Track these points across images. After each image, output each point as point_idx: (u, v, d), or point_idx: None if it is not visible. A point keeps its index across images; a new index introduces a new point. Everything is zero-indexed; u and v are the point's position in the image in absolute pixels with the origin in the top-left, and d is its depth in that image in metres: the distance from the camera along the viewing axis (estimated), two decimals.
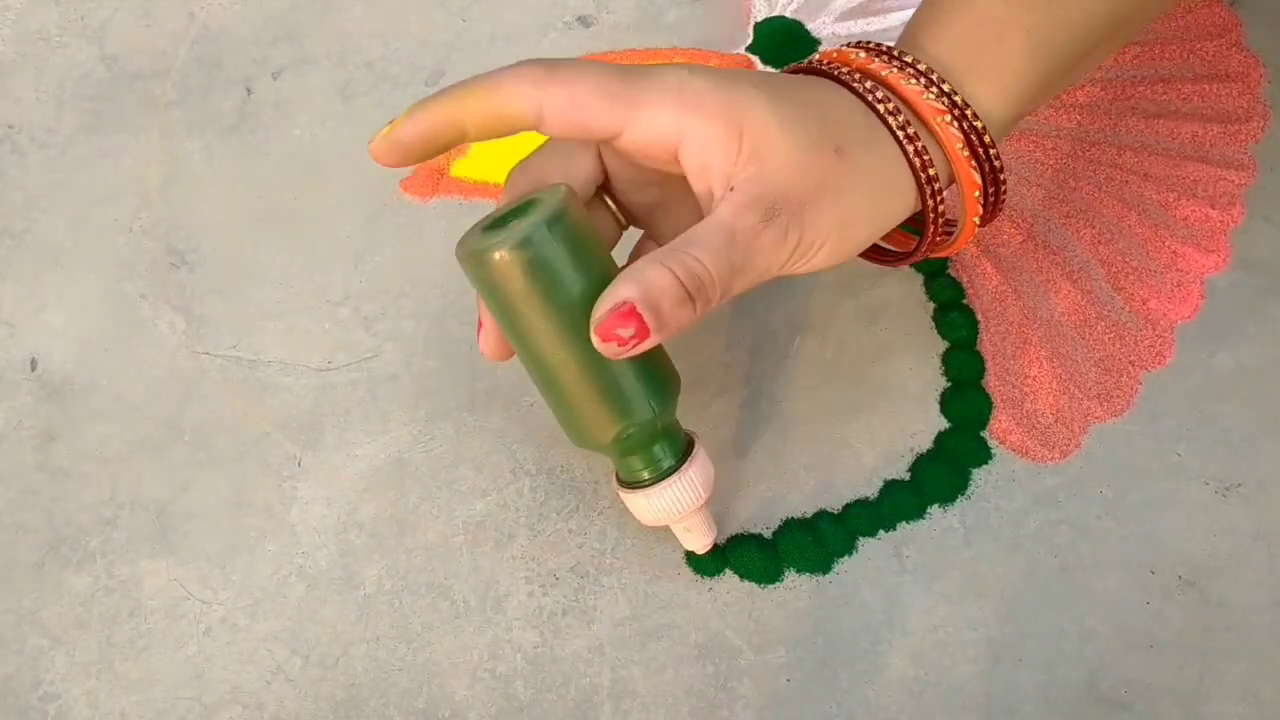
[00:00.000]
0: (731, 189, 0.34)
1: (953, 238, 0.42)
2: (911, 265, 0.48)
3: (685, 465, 0.40)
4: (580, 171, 0.38)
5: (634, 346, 0.34)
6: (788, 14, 0.58)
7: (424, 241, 0.54)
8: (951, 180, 0.38)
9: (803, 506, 0.49)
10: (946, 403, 0.51)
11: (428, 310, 0.53)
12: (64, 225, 0.54)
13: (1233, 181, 0.54)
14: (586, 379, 0.37)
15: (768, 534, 0.49)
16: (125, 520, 0.49)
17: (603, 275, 0.35)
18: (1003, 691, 0.46)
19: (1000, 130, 0.38)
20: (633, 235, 0.43)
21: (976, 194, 0.38)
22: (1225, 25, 0.58)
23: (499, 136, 0.36)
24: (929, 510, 0.49)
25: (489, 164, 0.55)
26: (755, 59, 0.57)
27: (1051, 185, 0.54)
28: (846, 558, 0.48)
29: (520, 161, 0.40)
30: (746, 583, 0.48)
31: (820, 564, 0.48)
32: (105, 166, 0.56)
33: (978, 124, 0.36)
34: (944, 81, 0.36)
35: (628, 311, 0.33)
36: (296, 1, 0.60)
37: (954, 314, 0.52)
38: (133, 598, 0.48)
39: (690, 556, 0.48)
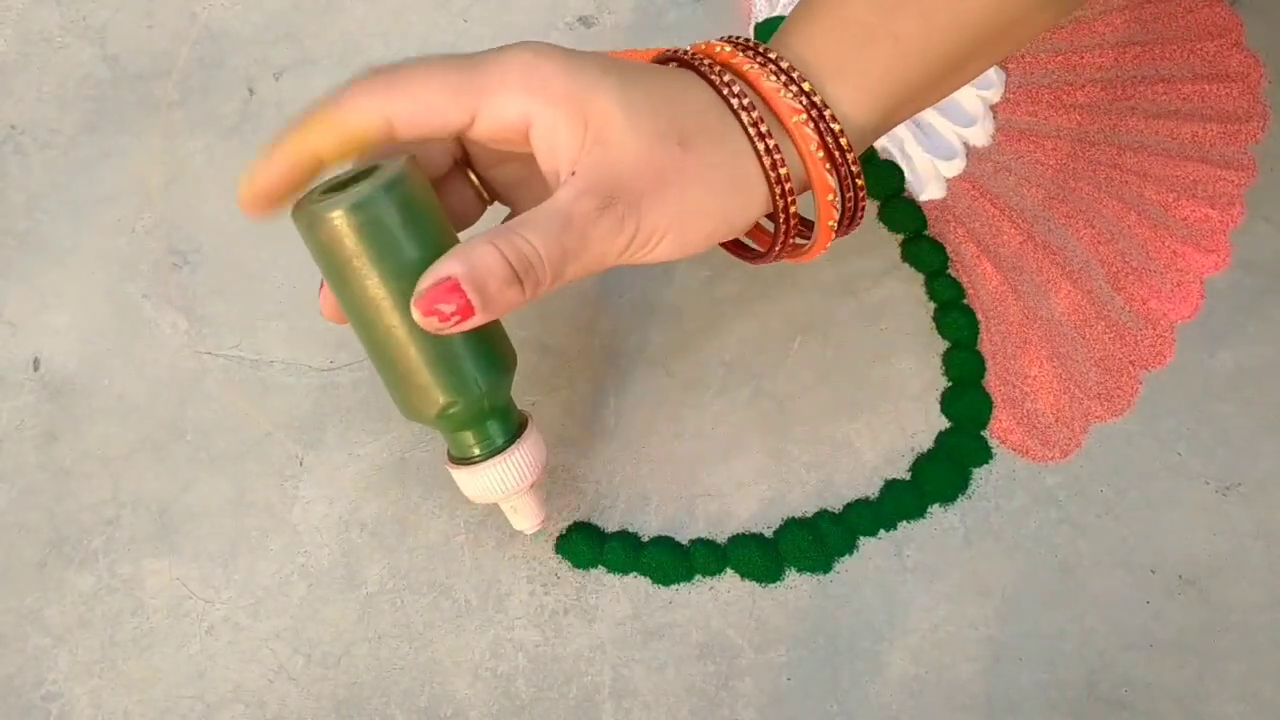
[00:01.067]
0: (573, 173, 0.34)
1: (809, 243, 0.40)
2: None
3: (514, 445, 0.40)
4: (434, 146, 0.38)
5: (457, 324, 0.34)
6: (788, 14, 0.58)
7: None
8: (808, 184, 0.37)
9: (804, 506, 0.49)
10: (947, 402, 0.51)
11: None
12: (66, 225, 0.54)
13: (1233, 181, 0.54)
14: (412, 352, 0.36)
15: (769, 533, 0.49)
16: (127, 519, 0.49)
17: (437, 248, 0.35)
18: (1003, 690, 0.46)
19: (861, 136, 0.37)
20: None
21: (830, 197, 0.36)
22: (1226, 25, 0.58)
23: (359, 156, 0.36)
24: (930, 510, 0.49)
25: None
26: None
27: (1052, 185, 0.55)
28: (847, 557, 0.48)
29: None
30: (748, 582, 0.48)
31: (821, 563, 0.48)
32: (107, 167, 0.56)
33: (835, 126, 0.35)
34: (804, 81, 0.35)
35: (451, 287, 0.33)
36: (298, 2, 0.60)
37: (954, 314, 0.52)
38: (135, 597, 0.48)
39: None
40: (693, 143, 0.34)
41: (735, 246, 0.44)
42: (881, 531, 0.49)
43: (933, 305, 0.53)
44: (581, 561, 0.48)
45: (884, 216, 0.54)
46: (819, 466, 0.50)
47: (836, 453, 0.50)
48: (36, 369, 0.52)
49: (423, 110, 0.34)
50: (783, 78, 0.35)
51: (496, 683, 0.46)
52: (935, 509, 0.49)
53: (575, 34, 0.58)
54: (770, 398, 0.51)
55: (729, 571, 0.48)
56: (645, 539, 0.49)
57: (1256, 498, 0.49)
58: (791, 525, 0.49)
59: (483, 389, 0.38)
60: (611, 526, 0.49)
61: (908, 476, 0.50)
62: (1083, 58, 0.57)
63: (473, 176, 0.40)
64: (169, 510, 0.49)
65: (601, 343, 0.52)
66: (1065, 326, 0.52)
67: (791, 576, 0.48)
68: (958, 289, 0.53)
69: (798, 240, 0.40)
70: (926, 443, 0.50)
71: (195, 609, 0.48)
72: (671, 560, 0.48)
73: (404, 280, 0.35)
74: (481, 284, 0.33)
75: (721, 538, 0.49)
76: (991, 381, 0.51)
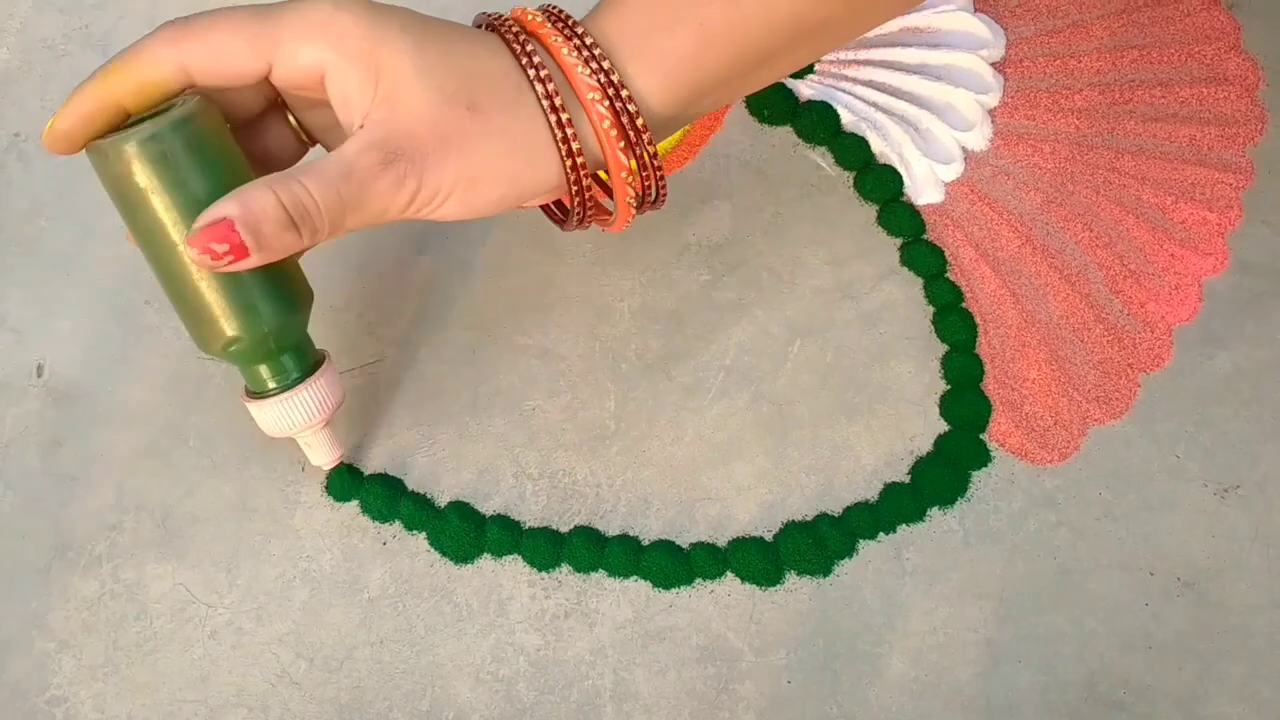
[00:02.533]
0: (361, 127, 0.34)
1: (613, 217, 0.40)
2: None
3: (306, 382, 0.41)
4: (244, 89, 0.38)
5: (231, 263, 0.34)
6: None
7: (427, 247, 0.54)
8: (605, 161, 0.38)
9: (803, 509, 0.49)
10: (946, 405, 0.51)
11: (431, 315, 0.53)
12: (70, 232, 0.55)
13: (1230, 184, 0.55)
14: (198, 287, 0.37)
15: (769, 537, 0.49)
16: (131, 525, 0.49)
17: (225, 187, 0.35)
18: (1002, 692, 0.46)
19: (661, 119, 0.37)
20: None
21: (625, 174, 0.37)
22: (1223, 29, 0.58)
23: (159, 104, 0.37)
24: (929, 513, 0.49)
25: None
26: None
27: (1050, 189, 0.55)
28: (847, 560, 0.49)
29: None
30: (748, 585, 0.48)
31: (821, 566, 0.48)
32: None
33: (630, 106, 0.36)
34: (605, 59, 0.35)
35: (226, 228, 0.34)
36: None
37: (953, 317, 0.52)
38: (139, 602, 0.48)
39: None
40: (482, 107, 0.35)
41: (547, 208, 0.43)
42: (881, 534, 0.49)
43: (931, 309, 0.53)
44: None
45: (883, 221, 0.54)
46: (818, 470, 0.50)
47: (836, 456, 0.50)
48: (41, 375, 0.52)
49: (218, 57, 0.34)
50: (584, 53, 0.35)
51: (498, 686, 0.47)
52: (934, 512, 0.49)
53: None
54: (770, 401, 0.51)
55: (729, 575, 0.48)
56: (646, 542, 0.49)
57: (1255, 500, 0.49)
58: (791, 528, 0.49)
59: (267, 325, 0.39)
60: (612, 530, 0.49)
61: (907, 479, 0.50)
62: (1080, 62, 0.57)
63: (292, 120, 0.40)
64: (172, 515, 0.49)
65: (602, 347, 0.52)
66: (1063, 330, 0.52)
67: (791, 580, 0.48)
68: (956, 292, 0.53)
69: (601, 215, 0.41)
70: (925, 446, 0.50)
71: (198, 614, 0.48)
72: (672, 564, 0.48)
73: (189, 216, 0.35)
74: (255, 226, 0.34)
75: (721, 541, 0.49)
76: (990, 385, 0.51)
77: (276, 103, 0.40)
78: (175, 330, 0.53)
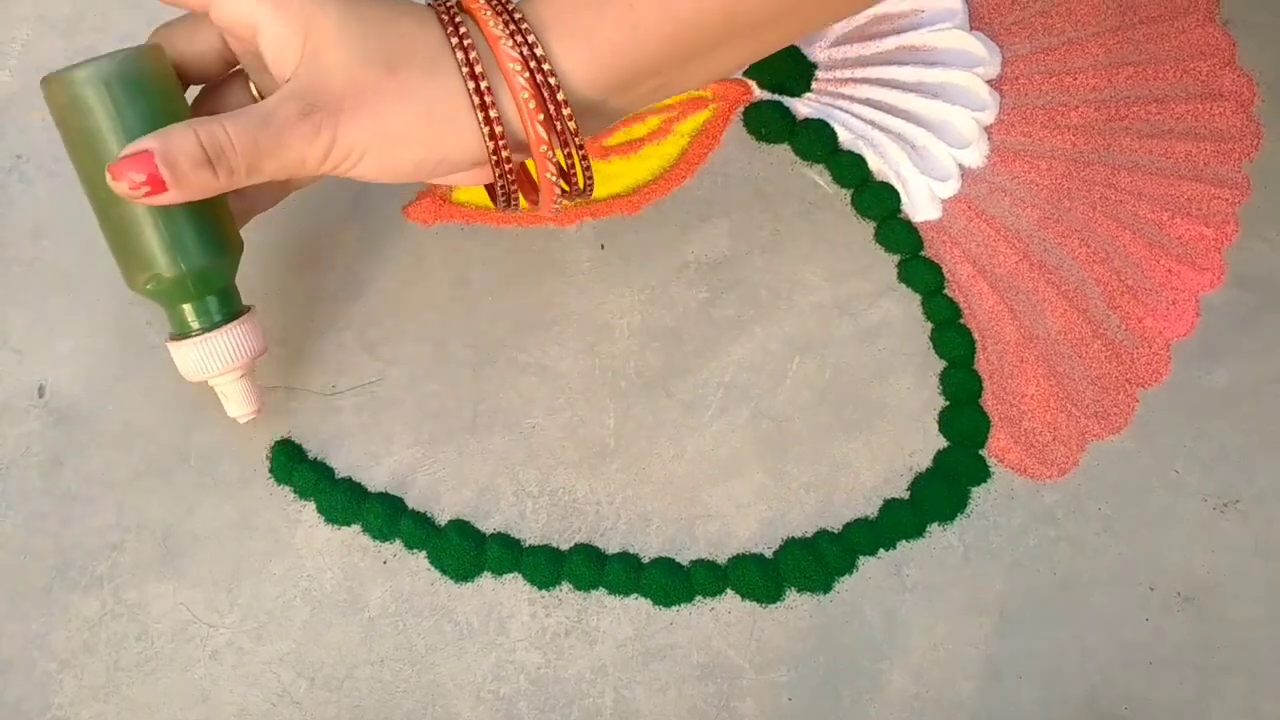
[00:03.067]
0: (288, 80, 0.37)
1: (540, 198, 0.41)
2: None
3: (225, 327, 0.43)
4: (202, 46, 0.41)
5: (149, 194, 0.37)
6: None
7: (427, 266, 0.54)
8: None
9: (803, 526, 0.49)
10: (945, 421, 0.51)
11: (430, 334, 0.53)
12: (72, 253, 0.55)
13: (1226, 199, 0.55)
14: (127, 223, 0.40)
15: (769, 554, 0.49)
16: (132, 544, 0.49)
17: (157, 127, 0.37)
18: (1003, 708, 0.46)
19: (586, 100, 0.38)
20: None
21: (544, 149, 0.38)
22: (1217, 45, 0.58)
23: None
24: (929, 529, 0.49)
25: None
26: (753, 83, 0.58)
27: (1047, 205, 0.55)
28: (847, 576, 0.49)
29: (155, 30, 0.42)
30: (748, 602, 0.48)
31: (821, 583, 0.48)
32: None
33: (551, 80, 0.36)
34: (530, 34, 0.36)
35: (145, 159, 0.36)
36: None
37: (951, 333, 0.52)
38: (140, 621, 0.48)
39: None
40: (400, 70, 0.36)
41: (491, 188, 0.43)
42: (881, 551, 0.49)
43: (930, 325, 0.53)
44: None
45: (880, 237, 0.55)
46: (818, 487, 0.50)
47: (835, 473, 0.50)
48: (42, 395, 0.52)
49: None
50: (510, 27, 0.36)
51: (499, 705, 0.47)
52: (934, 528, 0.49)
53: None
54: (769, 418, 0.51)
55: (729, 592, 0.48)
56: (646, 560, 0.49)
57: (1254, 514, 0.49)
58: (791, 545, 0.49)
59: (189, 265, 0.41)
60: (612, 548, 0.49)
61: (906, 496, 0.50)
62: (1076, 79, 0.58)
63: (253, 87, 0.42)
64: (173, 535, 0.49)
65: (601, 365, 0.52)
66: (1062, 345, 0.52)
67: (792, 596, 0.48)
68: (954, 309, 0.53)
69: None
70: (925, 462, 0.51)
71: (199, 633, 0.48)
72: (672, 581, 0.48)
73: (121, 150, 0.38)
74: (173, 160, 0.36)
75: (722, 558, 0.49)
76: (989, 400, 0.51)
77: (238, 70, 0.42)
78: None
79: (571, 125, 0.38)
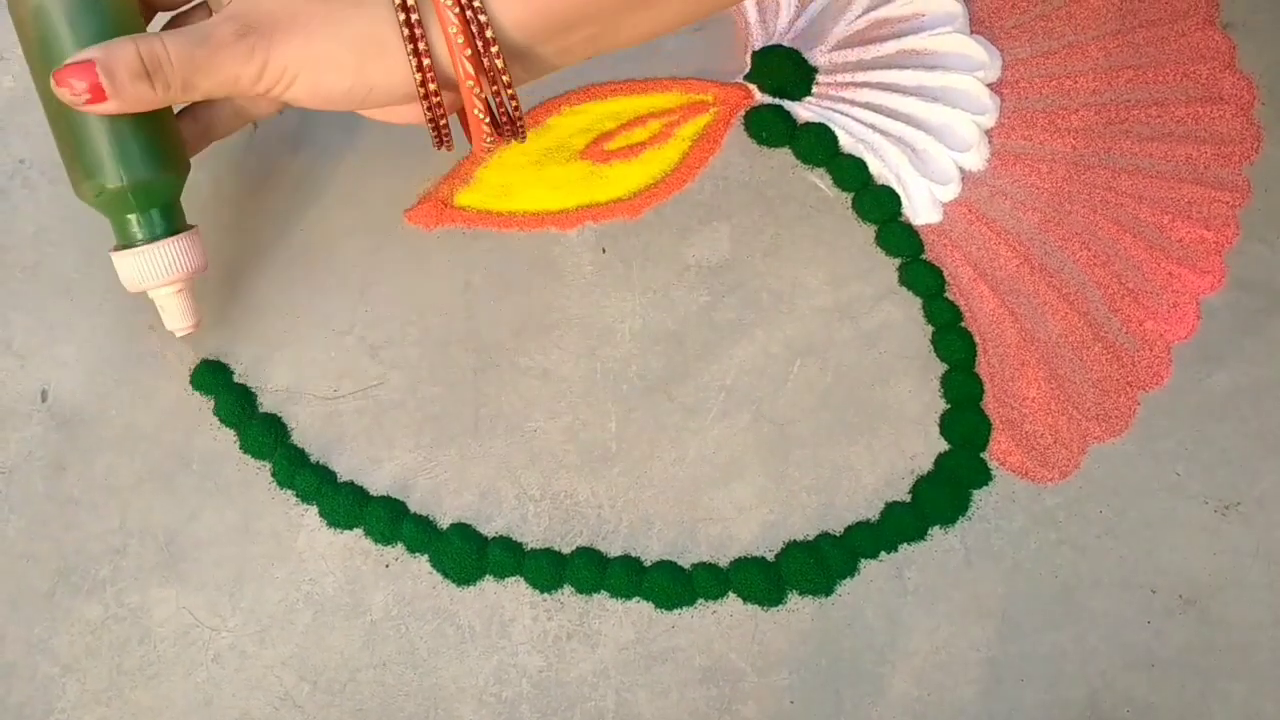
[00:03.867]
0: (228, 2, 0.39)
1: (471, 138, 0.42)
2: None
3: (164, 240, 0.45)
4: None
5: (89, 103, 0.39)
6: (785, 42, 0.59)
7: (429, 270, 0.55)
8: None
9: (805, 529, 0.50)
10: (946, 424, 0.51)
11: (432, 338, 0.53)
12: (74, 258, 0.55)
13: (1227, 202, 0.55)
14: (74, 131, 0.42)
15: (770, 557, 0.49)
16: (134, 549, 0.49)
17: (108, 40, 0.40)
18: (1005, 711, 0.46)
19: (516, 43, 0.39)
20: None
21: (471, 85, 0.39)
22: (1217, 49, 0.58)
23: None
24: (930, 531, 0.49)
25: (493, 193, 0.56)
26: (754, 87, 0.58)
27: (1047, 208, 0.55)
28: (849, 579, 0.49)
29: None
30: (750, 605, 0.48)
31: (823, 586, 0.48)
32: None
33: (481, 18, 0.37)
34: None
35: (86, 68, 0.38)
36: None
37: (952, 336, 0.52)
38: (142, 625, 0.48)
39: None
40: None
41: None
42: (882, 553, 0.49)
43: (930, 328, 0.53)
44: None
45: (881, 241, 0.55)
46: (819, 489, 0.50)
47: (837, 475, 0.50)
48: (45, 400, 0.52)
49: None
50: None
51: (501, 709, 0.47)
52: (935, 531, 0.49)
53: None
54: (770, 422, 0.51)
55: (731, 595, 0.48)
56: (647, 563, 0.49)
57: (1256, 517, 0.49)
58: (793, 548, 0.49)
59: (132, 177, 0.43)
60: (614, 551, 0.49)
61: (908, 498, 0.50)
62: (1076, 82, 0.58)
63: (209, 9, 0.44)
64: (175, 539, 0.49)
65: (603, 368, 0.52)
66: (1063, 348, 0.52)
67: (793, 599, 0.48)
68: (955, 312, 0.53)
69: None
70: (926, 465, 0.51)
71: (202, 637, 0.48)
72: (674, 584, 0.48)
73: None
74: (112, 70, 0.38)
75: (723, 561, 0.49)
76: (990, 403, 0.51)
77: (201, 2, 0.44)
78: (178, 354, 0.53)
79: (499, 64, 0.39)
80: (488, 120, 0.41)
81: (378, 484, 0.50)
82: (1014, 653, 0.46)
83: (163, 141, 0.44)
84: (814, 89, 0.58)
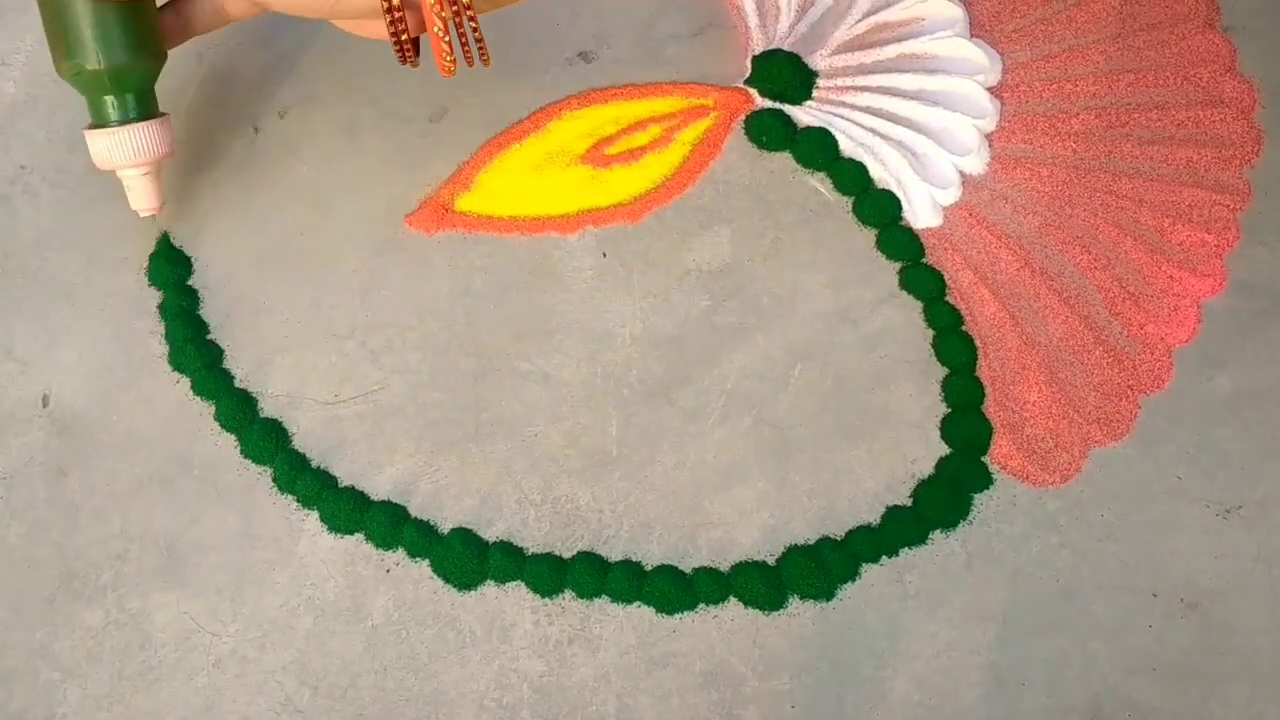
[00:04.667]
0: None
1: (435, 56, 0.45)
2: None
3: (136, 123, 0.48)
4: None
5: None
6: (785, 47, 0.59)
7: (429, 275, 0.55)
8: None
9: (806, 533, 0.49)
10: (947, 428, 0.51)
11: (433, 343, 0.53)
12: (75, 263, 0.55)
13: (1227, 206, 0.55)
14: (62, 15, 0.45)
15: (771, 561, 0.49)
16: (135, 554, 0.49)
17: None
18: (1007, 715, 0.46)
19: None
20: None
21: (431, 3, 0.42)
22: (1218, 52, 0.58)
23: None
24: (931, 535, 0.49)
25: (493, 198, 0.56)
26: (754, 92, 0.58)
27: (1047, 212, 0.55)
28: (850, 584, 0.49)
29: None
30: (751, 610, 0.48)
31: (824, 590, 0.48)
32: (116, 205, 0.57)
33: None
34: None
35: None
36: (302, 40, 0.61)
37: (953, 340, 0.52)
38: (143, 631, 0.48)
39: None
40: None
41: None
42: (883, 558, 0.49)
43: (931, 332, 0.53)
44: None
45: (882, 245, 0.55)
46: (821, 494, 0.50)
47: (838, 479, 0.50)
48: (46, 405, 0.52)
49: None
50: None
51: (502, 714, 0.47)
52: (937, 535, 0.49)
53: (575, 69, 0.59)
54: (771, 426, 0.51)
55: (732, 600, 0.48)
56: (648, 568, 0.49)
57: (1258, 520, 0.49)
58: (794, 552, 0.49)
59: (105, 62, 0.46)
60: (615, 556, 0.49)
61: (909, 503, 0.50)
62: (1076, 85, 0.58)
63: None
64: (177, 544, 0.50)
65: (603, 373, 0.52)
66: (1063, 352, 0.52)
67: (794, 604, 0.48)
68: (956, 315, 0.53)
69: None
70: (927, 469, 0.51)
71: (203, 642, 0.48)
72: (675, 589, 0.48)
73: None
74: None
75: (724, 566, 0.49)
76: (991, 407, 0.51)
77: None
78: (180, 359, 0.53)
79: None
80: (447, 39, 0.44)
81: (379, 489, 0.50)
82: (1015, 657, 0.46)
83: (143, 30, 0.47)
84: (814, 93, 0.58)
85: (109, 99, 0.48)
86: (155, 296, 0.54)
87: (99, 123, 0.48)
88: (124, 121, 0.48)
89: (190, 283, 0.55)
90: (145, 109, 0.49)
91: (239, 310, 0.54)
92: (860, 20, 0.60)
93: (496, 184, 0.56)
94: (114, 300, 0.54)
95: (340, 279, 0.54)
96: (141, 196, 0.51)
